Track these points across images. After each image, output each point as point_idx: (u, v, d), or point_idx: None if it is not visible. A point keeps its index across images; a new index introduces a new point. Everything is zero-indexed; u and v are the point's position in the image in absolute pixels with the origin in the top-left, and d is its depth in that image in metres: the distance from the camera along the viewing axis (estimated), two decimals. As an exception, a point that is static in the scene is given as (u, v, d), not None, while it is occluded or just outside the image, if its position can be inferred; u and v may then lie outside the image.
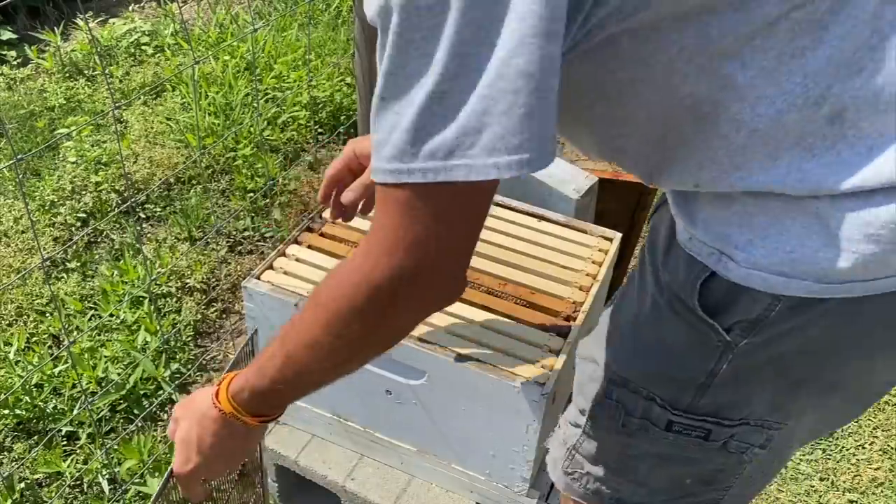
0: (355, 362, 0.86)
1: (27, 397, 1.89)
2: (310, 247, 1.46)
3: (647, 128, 0.77)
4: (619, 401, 0.91)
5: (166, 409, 2.00)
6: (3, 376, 1.97)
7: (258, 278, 1.38)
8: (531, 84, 0.60)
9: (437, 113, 0.62)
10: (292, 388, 0.88)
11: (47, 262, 2.38)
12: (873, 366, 0.84)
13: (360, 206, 1.14)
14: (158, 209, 2.66)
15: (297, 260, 1.43)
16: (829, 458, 1.90)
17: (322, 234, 1.49)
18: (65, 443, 1.87)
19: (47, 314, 2.22)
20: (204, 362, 2.14)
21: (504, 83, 0.60)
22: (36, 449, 1.78)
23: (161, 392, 1.99)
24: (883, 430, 1.96)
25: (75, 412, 1.89)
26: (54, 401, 1.93)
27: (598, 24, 0.67)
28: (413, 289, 0.73)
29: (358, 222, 1.51)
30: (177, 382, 2.02)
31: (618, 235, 1.51)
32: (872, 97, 0.70)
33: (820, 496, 1.81)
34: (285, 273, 1.39)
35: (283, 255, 1.44)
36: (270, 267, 1.40)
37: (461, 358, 1.25)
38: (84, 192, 2.65)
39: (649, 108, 0.75)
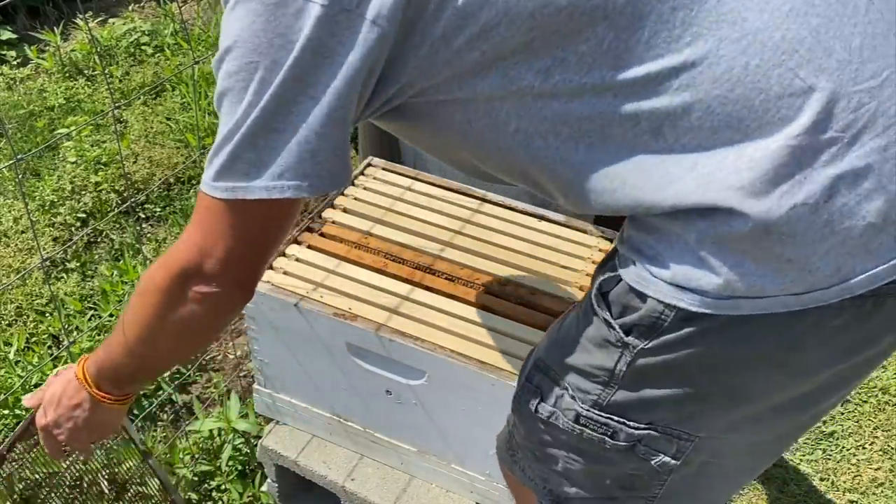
0: (161, 355, 0.97)
1: (27, 397, 1.89)
2: (309, 247, 1.46)
3: (507, 163, 0.87)
4: (538, 386, 0.96)
5: (166, 409, 2.00)
6: (3, 376, 1.97)
7: None
8: (312, 143, 0.76)
9: (246, 148, 0.77)
10: (125, 368, 0.98)
11: (47, 262, 2.38)
12: (782, 382, 0.83)
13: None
14: (158, 209, 2.66)
15: (297, 260, 1.43)
16: (829, 459, 1.90)
17: (322, 234, 1.49)
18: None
19: (47, 314, 2.22)
20: (203, 362, 2.14)
21: (291, 137, 0.76)
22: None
23: (161, 392, 1.99)
24: (883, 431, 1.96)
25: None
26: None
27: (387, 101, 0.81)
28: (200, 283, 0.84)
29: (357, 222, 1.51)
30: (177, 382, 2.02)
31: (617, 235, 1.51)
32: (682, 112, 0.74)
33: (820, 497, 1.81)
34: (285, 273, 1.39)
35: (283, 254, 1.44)
36: (270, 267, 1.40)
37: (461, 358, 1.25)
38: (84, 192, 2.64)
39: (492, 147, 0.85)
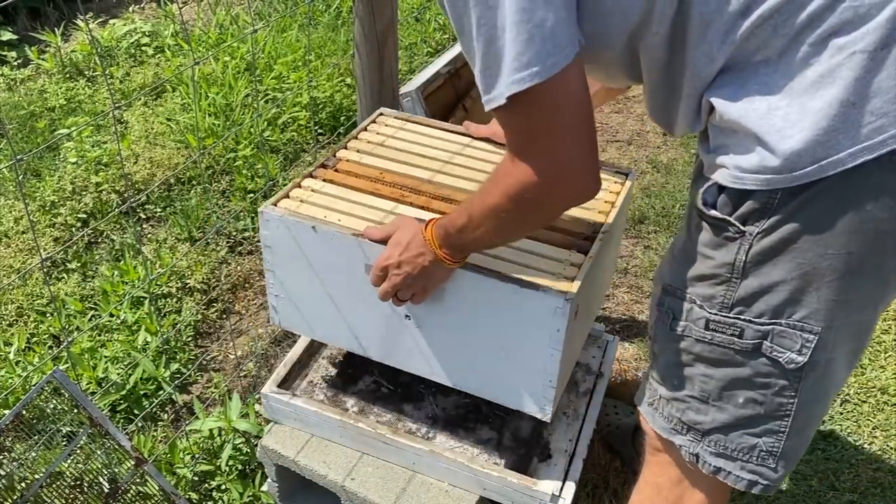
0: (513, 235, 1.17)
1: (27, 397, 1.89)
2: (324, 180, 1.45)
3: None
4: (669, 308, 1.06)
5: (166, 409, 2.00)
6: (3, 376, 1.97)
7: (274, 205, 1.37)
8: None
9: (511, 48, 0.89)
10: (471, 241, 1.13)
11: (47, 263, 2.39)
12: (880, 241, 0.90)
13: None
14: (158, 209, 2.66)
15: (313, 191, 1.42)
16: (828, 459, 1.90)
17: (336, 170, 1.48)
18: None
19: (47, 314, 2.23)
20: (204, 362, 2.14)
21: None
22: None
23: (161, 392, 1.99)
24: (883, 431, 1.96)
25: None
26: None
27: None
28: (538, 186, 0.96)
29: (372, 161, 1.50)
30: (177, 382, 2.02)
31: (631, 173, 1.53)
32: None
33: (820, 496, 1.81)
34: (301, 202, 1.39)
35: (299, 186, 1.44)
36: (286, 196, 1.40)
37: (483, 271, 1.24)
38: (84, 193, 2.65)
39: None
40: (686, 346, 1.05)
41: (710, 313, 1.00)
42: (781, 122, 0.87)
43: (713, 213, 0.96)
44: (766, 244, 0.93)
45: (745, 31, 0.88)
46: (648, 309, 1.17)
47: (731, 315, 0.99)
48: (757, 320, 0.97)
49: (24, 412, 1.36)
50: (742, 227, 0.94)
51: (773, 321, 0.96)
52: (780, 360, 0.98)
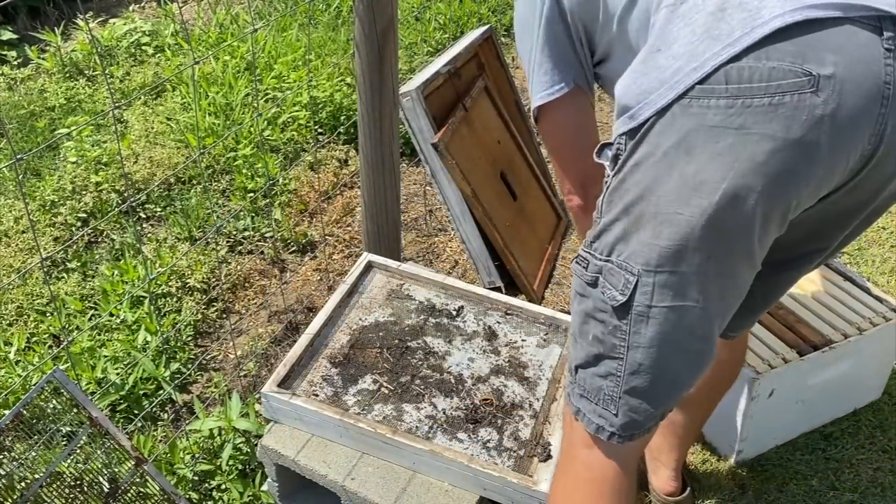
0: None
1: (27, 397, 1.89)
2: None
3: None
4: (583, 258, 1.10)
5: (167, 408, 2.00)
6: (3, 376, 1.97)
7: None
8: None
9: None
10: None
11: (47, 262, 2.39)
12: (680, 185, 0.93)
13: None
14: (158, 209, 2.66)
15: None
16: (828, 459, 1.90)
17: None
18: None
19: (47, 314, 2.23)
20: (204, 362, 2.14)
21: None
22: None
23: (161, 392, 1.99)
24: (882, 431, 1.96)
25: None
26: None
27: None
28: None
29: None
30: (177, 382, 2.02)
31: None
32: None
33: (820, 496, 1.81)
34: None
35: None
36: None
37: None
38: (84, 192, 2.65)
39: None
40: (574, 283, 1.10)
41: (582, 249, 1.07)
42: (623, 78, 1.00)
43: (600, 160, 1.06)
44: (612, 185, 1.00)
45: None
46: None
47: (585, 249, 1.06)
48: (597, 255, 1.03)
49: (24, 412, 1.35)
50: (609, 172, 1.02)
51: (606, 258, 1.01)
52: (606, 295, 1.02)
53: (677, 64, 0.92)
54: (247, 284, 2.41)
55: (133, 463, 1.43)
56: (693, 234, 0.94)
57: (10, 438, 1.34)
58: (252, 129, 2.93)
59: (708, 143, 0.90)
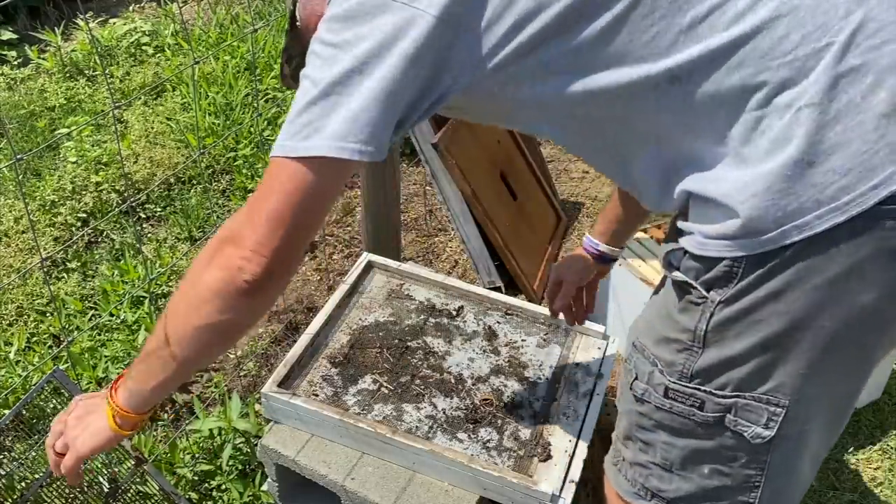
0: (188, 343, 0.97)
1: (27, 397, 1.89)
2: None
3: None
4: (635, 366, 1.01)
5: (166, 408, 2.00)
6: (3, 376, 1.97)
7: None
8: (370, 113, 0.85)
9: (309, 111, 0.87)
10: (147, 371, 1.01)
11: (48, 262, 2.39)
12: (860, 316, 0.84)
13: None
14: (159, 209, 2.66)
15: None
16: (828, 459, 1.90)
17: None
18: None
19: (48, 314, 2.23)
20: (204, 362, 2.14)
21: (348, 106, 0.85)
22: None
23: (161, 392, 1.99)
24: (882, 431, 1.96)
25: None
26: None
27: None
28: (236, 246, 0.89)
29: None
30: (177, 382, 2.02)
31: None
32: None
33: (820, 496, 1.81)
34: None
35: None
36: None
37: None
38: (84, 192, 2.65)
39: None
40: (646, 410, 1.00)
41: (670, 381, 0.95)
42: (740, 190, 0.82)
43: (676, 274, 0.92)
44: (727, 314, 0.88)
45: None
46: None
47: (690, 385, 0.93)
48: (718, 392, 0.91)
49: (23, 412, 1.36)
50: (705, 293, 0.89)
51: (735, 394, 0.90)
52: (745, 434, 0.91)
53: (843, 181, 0.77)
54: (247, 284, 2.41)
55: (133, 463, 1.43)
56: (863, 362, 0.90)
57: (10, 438, 1.34)
58: (252, 128, 2.93)
59: (890, 268, 0.80)
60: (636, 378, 1.00)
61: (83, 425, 1.05)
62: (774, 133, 0.80)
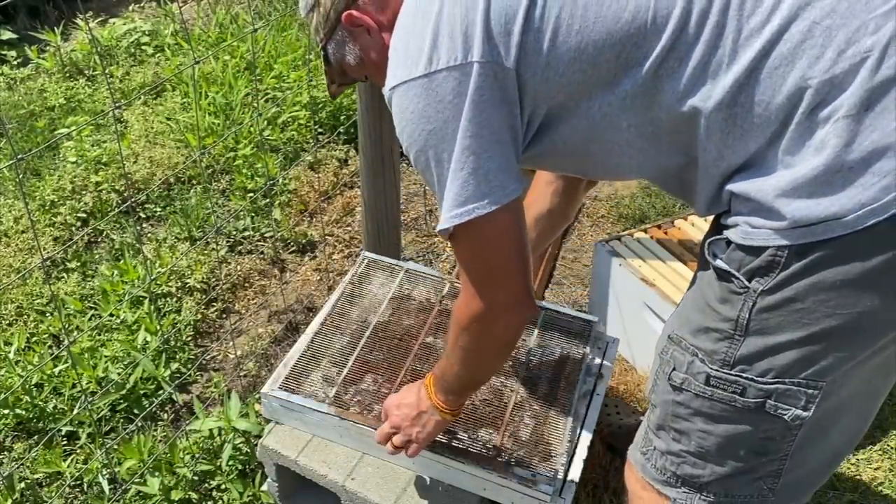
0: (480, 367, 1.21)
1: (27, 397, 1.89)
2: None
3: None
4: (671, 357, 1.05)
5: (166, 408, 2.00)
6: (3, 376, 1.97)
7: None
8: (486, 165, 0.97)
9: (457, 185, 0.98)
10: (454, 380, 1.23)
11: (47, 262, 2.39)
12: (890, 304, 0.87)
13: None
14: (158, 209, 2.66)
15: None
16: (828, 458, 1.90)
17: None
18: (65, 442, 1.87)
19: (47, 314, 2.23)
20: (204, 362, 2.14)
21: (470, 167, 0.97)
22: (36, 448, 1.78)
23: (161, 392, 1.99)
24: (882, 430, 1.96)
25: (75, 412, 1.89)
26: (54, 400, 1.93)
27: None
28: (481, 320, 1.08)
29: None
30: (177, 382, 2.02)
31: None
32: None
33: (820, 496, 1.81)
34: None
35: None
36: None
37: None
38: (84, 192, 2.65)
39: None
40: (684, 399, 1.04)
41: (712, 369, 0.99)
42: (787, 193, 0.88)
43: (719, 263, 0.96)
44: (769, 302, 0.92)
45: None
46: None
47: (732, 372, 0.97)
48: (760, 379, 0.96)
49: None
50: (747, 283, 0.93)
51: (777, 380, 0.95)
52: (785, 416, 0.97)
53: (884, 182, 0.83)
54: (247, 284, 2.41)
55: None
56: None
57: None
58: (252, 129, 2.93)
59: None
60: (674, 369, 1.04)
61: (419, 425, 1.29)
62: (817, 142, 0.86)
